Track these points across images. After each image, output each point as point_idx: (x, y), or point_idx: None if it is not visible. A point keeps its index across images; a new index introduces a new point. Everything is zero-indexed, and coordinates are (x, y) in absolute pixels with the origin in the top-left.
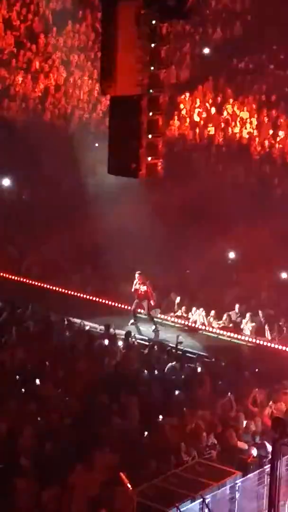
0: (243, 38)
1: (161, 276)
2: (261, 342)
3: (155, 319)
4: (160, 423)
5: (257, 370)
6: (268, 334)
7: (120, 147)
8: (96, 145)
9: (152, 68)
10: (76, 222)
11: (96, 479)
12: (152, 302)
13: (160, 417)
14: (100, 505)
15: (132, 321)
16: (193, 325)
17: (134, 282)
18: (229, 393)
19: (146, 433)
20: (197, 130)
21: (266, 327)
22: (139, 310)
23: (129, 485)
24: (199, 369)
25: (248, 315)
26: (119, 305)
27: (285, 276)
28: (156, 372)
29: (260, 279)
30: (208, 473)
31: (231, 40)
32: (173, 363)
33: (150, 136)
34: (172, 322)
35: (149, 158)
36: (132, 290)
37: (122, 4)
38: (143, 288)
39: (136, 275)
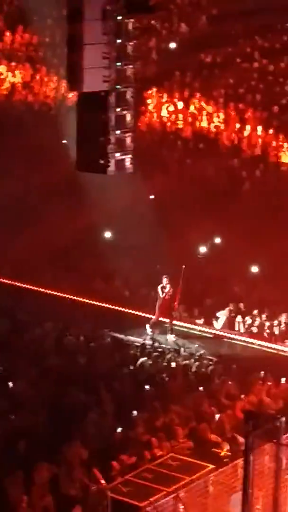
0: (209, 32)
1: (132, 272)
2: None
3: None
4: (133, 418)
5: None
6: (241, 327)
7: (88, 143)
8: (64, 141)
9: (118, 63)
10: (46, 219)
11: (70, 475)
12: (175, 305)
13: (134, 412)
14: (74, 502)
15: (172, 335)
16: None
17: (160, 287)
18: (200, 388)
19: (119, 428)
20: (168, 124)
21: (238, 320)
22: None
23: (102, 481)
24: (172, 364)
25: (227, 309)
26: (91, 302)
27: (255, 270)
28: (130, 368)
29: (231, 273)
30: (181, 467)
31: (197, 34)
32: (144, 358)
33: (118, 132)
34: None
35: (118, 154)
36: (160, 295)
37: (87, 1)
38: (169, 291)
39: (164, 279)
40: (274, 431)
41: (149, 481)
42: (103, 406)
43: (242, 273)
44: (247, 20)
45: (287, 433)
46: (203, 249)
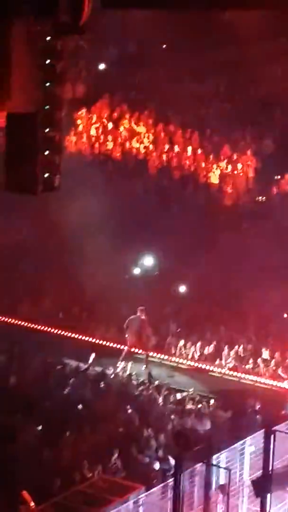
0: (137, 53)
1: (61, 291)
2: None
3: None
4: (63, 439)
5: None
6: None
7: (16, 164)
8: None
9: (47, 84)
10: None
11: None
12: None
13: (66, 433)
14: None
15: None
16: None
17: (133, 318)
18: (128, 407)
19: (49, 450)
20: (97, 145)
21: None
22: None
23: (32, 504)
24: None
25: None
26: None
27: (183, 289)
28: (57, 389)
29: (160, 292)
30: (111, 488)
31: (126, 55)
32: (73, 379)
33: (47, 152)
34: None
35: (46, 175)
36: (125, 326)
37: (15, 20)
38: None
39: (139, 311)
40: (204, 452)
41: (79, 503)
42: (31, 428)
43: (171, 293)
44: (174, 41)
45: (217, 454)
46: (137, 270)
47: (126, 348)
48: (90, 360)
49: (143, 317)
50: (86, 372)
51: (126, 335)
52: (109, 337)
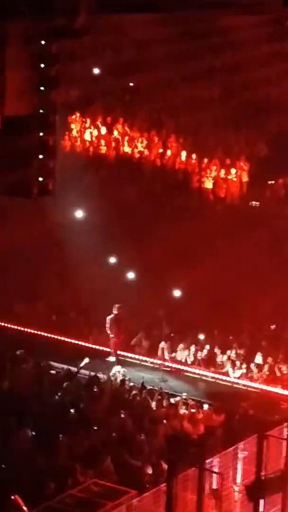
0: (132, 58)
1: (57, 295)
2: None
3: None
4: (56, 443)
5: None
6: (165, 353)
7: (11, 167)
8: None
9: (42, 88)
10: None
11: None
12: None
13: (59, 437)
14: None
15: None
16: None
17: (112, 318)
18: (121, 411)
19: (42, 454)
20: (91, 149)
21: (162, 345)
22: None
23: (24, 508)
24: (95, 389)
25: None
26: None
27: (178, 293)
28: (51, 394)
29: (153, 297)
30: (104, 493)
31: (120, 59)
32: (66, 383)
33: (41, 156)
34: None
35: (41, 179)
36: (108, 326)
37: (10, 24)
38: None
39: (115, 309)
40: (196, 456)
41: (72, 507)
42: (24, 432)
43: (164, 297)
44: (170, 46)
45: (210, 459)
46: (131, 275)
47: (111, 346)
48: (82, 364)
49: (115, 312)
50: (77, 375)
51: (111, 335)
52: (102, 341)
